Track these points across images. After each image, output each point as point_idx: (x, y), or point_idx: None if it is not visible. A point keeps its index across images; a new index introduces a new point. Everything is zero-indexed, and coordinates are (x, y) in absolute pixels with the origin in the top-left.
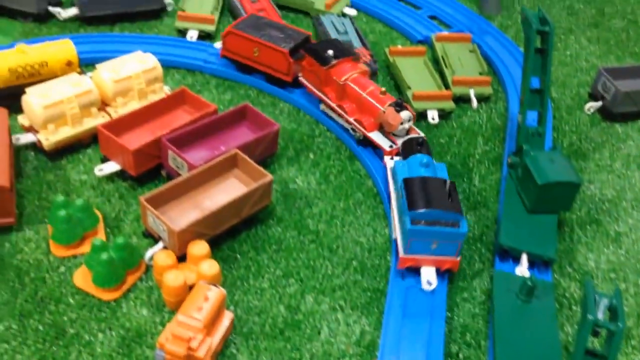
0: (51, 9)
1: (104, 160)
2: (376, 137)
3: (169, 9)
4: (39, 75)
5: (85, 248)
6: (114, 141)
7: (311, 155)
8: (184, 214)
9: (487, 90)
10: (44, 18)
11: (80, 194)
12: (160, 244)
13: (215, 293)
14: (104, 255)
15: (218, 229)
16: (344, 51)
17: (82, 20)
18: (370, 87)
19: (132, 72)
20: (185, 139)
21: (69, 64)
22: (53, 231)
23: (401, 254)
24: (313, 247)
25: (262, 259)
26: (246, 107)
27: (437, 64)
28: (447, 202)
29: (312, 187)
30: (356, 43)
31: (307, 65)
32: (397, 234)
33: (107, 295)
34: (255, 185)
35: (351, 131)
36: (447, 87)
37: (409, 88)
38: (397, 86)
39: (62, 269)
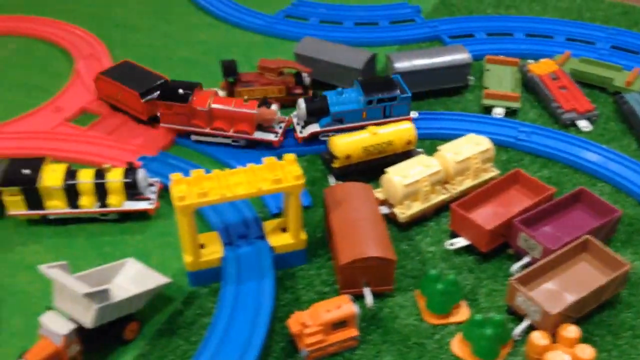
0: None
1: (452, 234)
2: (260, 135)
3: (470, 84)
4: (384, 152)
5: (454, 318)
6: (469, 220)
7: None
8: (546, 296)
9: None
10: None
11: (435, 265)
12: (525, 323)
13: None
14: (489, 331)
15: (581, 312)
16: (187, 86)
17: None
18: (232, 102)
19: (471, 154)
20: (532, 221)
21: (409, 142)
22: (428, 301)
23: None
24: None
25: (621, 344)
26: (582, 191)
27: None
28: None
29: None
30: None
31: (167, 110)
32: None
33: None
34: (616, 273)
35: (232, 143)
36: None
37: None
38: None
39: (437, 336)
